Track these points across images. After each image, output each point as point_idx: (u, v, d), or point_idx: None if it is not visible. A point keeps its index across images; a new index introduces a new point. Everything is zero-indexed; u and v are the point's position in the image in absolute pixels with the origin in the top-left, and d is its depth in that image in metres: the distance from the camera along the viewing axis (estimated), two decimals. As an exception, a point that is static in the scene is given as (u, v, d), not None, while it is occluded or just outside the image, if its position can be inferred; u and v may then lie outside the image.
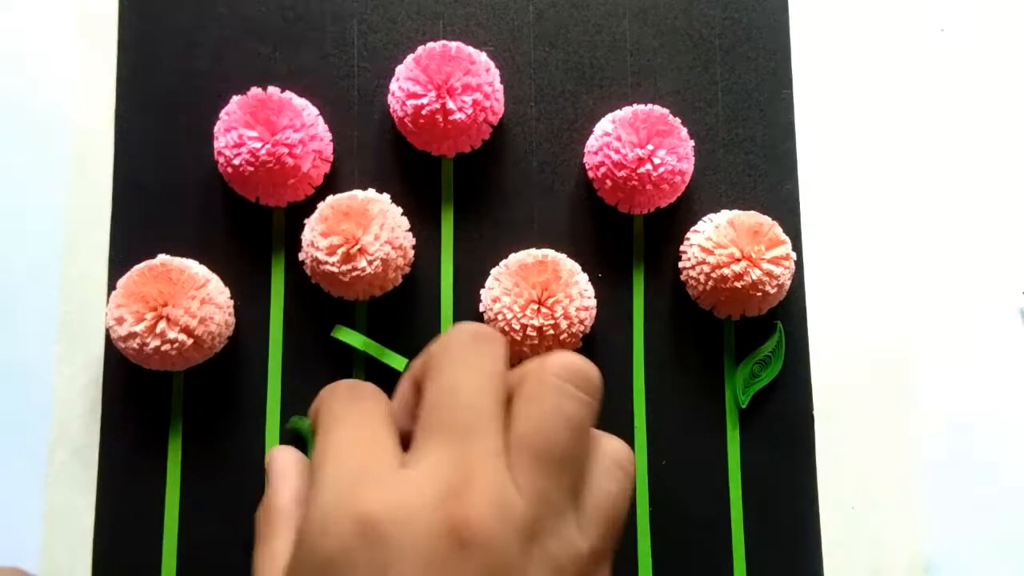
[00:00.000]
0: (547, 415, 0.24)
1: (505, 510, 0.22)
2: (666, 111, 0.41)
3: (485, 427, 0.24)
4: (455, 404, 0.24)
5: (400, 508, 0.22)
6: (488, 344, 0.26)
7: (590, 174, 0.42)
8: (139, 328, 0.37)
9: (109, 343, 0.41)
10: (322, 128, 0.42)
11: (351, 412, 0.26)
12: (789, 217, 0.44)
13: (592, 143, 0.42)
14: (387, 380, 0.42)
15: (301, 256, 0.40)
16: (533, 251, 0.41)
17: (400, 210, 0.41)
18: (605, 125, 0.42)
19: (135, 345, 0.38)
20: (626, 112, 0.42)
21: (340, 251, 0.38)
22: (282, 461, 0.29)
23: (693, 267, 0.41)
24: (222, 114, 0.40)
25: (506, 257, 0.41)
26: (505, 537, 0.22)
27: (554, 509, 0.23)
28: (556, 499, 0.23)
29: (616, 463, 0.26)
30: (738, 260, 0.40)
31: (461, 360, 0.25)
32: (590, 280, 0.41)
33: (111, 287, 0.40)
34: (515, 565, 0.22)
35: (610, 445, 0.26)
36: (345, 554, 0.21)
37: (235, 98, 0.40)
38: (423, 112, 0.40)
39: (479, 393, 0.24)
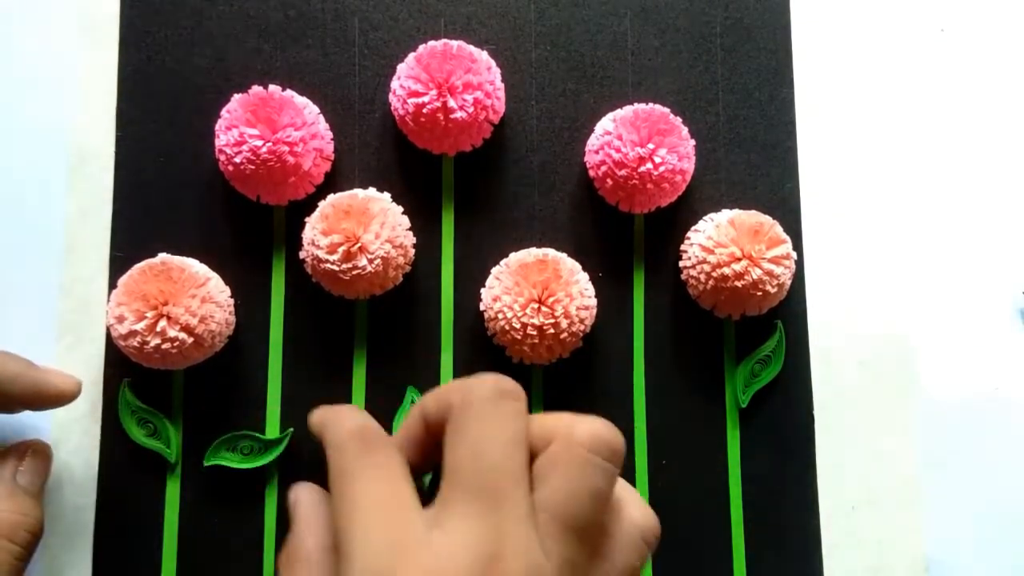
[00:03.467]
0: (575, 486, 0.24)
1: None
2: (667, 110, 0.41)
3: (513, 490, 0.24)
4: (482, 466, 0.24)
5: None
6: (511, 401, 0.26)
7: (591, 173, 0.42)
8: (140, 326, 0.37)
9: (110, 342, 0.41)
10: (323, 126, 0.42)
11: (366, 468, 0.26)
12: (790, 216, 0.44)
13: (593, 142, 0.42)
14: (388, 380, 0.42)
15: (302, 255, 0.40)
16: (534, 250, 0.41)
17: (401, 209, 0.41)
18: (606, 124, 0.42)
19: (136, 343, 0.38)
20: (627, 111, 0.42)
21: (341, 250, 0.38)
22: (307, 504, 0.29)
23: (693, 266, 0.41)
24: (223, 112, 0.40)
25: (506, 256, 0.41)
26: None
27: (578, 574, 0.24)
28: (580, 565, 0.24)
29: (644, 538, 0.26)
30: (739, 259, 0.40)
31: (485, 418, 0.25)
32: (590, 279, 0.41)
33: (111, 286, 0.40)
34: None
35: (638, 515, 0.27)
36: None
37: (236, 96, 0.40)
38: (424, 110, 0.40)
39: (505, 455, 0.25)
